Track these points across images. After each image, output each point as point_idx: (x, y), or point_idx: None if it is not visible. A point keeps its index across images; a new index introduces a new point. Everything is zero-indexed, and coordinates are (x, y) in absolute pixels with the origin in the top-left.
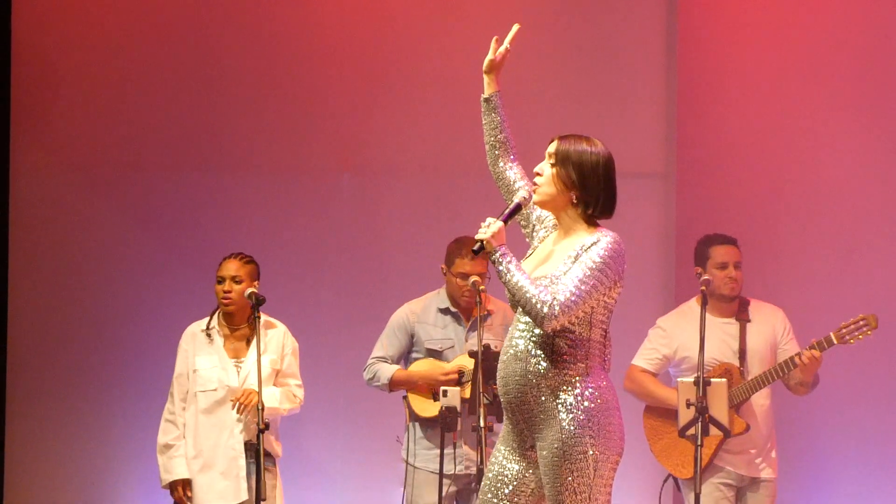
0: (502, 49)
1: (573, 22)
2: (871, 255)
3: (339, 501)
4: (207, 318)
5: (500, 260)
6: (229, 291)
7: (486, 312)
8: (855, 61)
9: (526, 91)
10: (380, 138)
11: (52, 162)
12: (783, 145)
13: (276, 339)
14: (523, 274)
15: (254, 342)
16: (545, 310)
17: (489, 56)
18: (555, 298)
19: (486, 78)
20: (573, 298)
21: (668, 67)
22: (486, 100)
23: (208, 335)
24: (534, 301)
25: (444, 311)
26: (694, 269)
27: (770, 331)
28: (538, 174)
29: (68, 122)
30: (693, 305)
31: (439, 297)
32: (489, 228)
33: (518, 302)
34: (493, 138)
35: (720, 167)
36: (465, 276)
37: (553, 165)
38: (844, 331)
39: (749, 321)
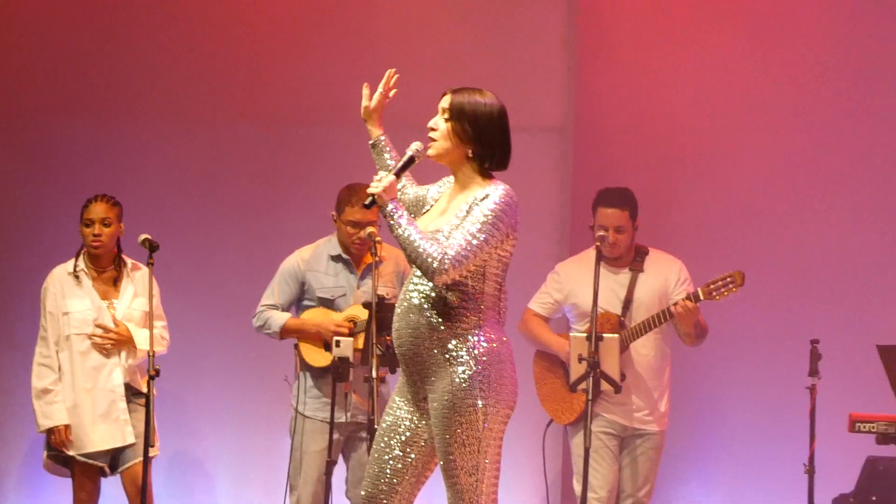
0: (378, 95)
1: None
2: (764, 209)
3: (230, 447)
4: (73, 261)
5: (392, 214)
6: (99, 234)
7: (378, 260)
8: (752, 13)
9: (423, 44)
10: (275, 86)
11: None
12: (680, 99)
13: (143, 281)
14: (415, 228)
15: (123, 282)
16: (435, 264)
17: (364, 103)
18: (445, 253)
19: (367, 124)
20: (463, 253)
21: (567, 22)
22: (373, 144)
23: (76, 277)
24: (424, 256)
25: (336, 259)
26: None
27: (661, 282)
28: (433, 129)
29: None
30: (592, 254)
31: (330, 244)
32: (381, 182)
33: (409, 256)
34: None
35: (617, 121)
36: (356, 224)
37: (447, 120)
38: (712, 287)
39: (641, 271)
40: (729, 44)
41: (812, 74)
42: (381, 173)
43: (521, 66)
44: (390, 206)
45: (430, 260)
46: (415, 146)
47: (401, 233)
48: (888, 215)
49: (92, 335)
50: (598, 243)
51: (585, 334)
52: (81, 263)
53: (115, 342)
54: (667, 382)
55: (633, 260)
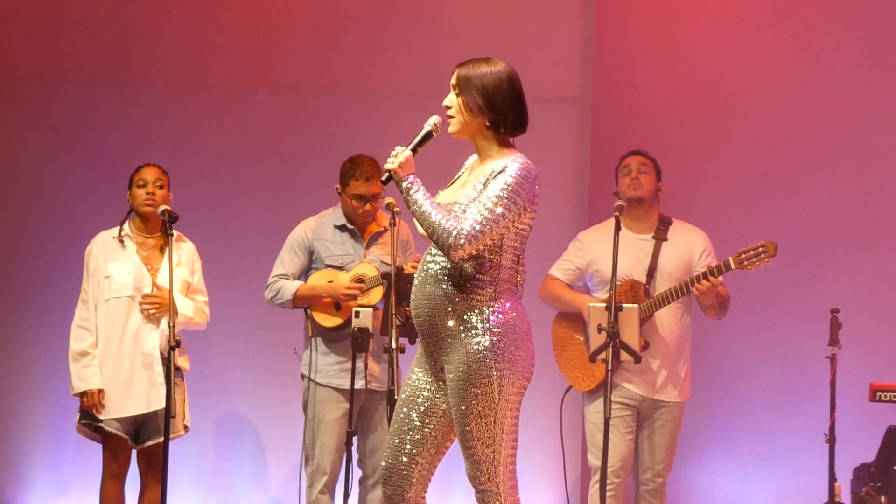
0: None
1: None
2: (785, 180)
3: (245, 419)
4: (118, 227)
5: (408, 190)
6: (153, 193)
7: (382, 229)
8: None
9: (439, 17)
10: (295, 56)
11: None
12: (699, 67)
13: (186, 254)
14: (431, 203)
15: (167, 251)
16: (450, 240)
17: None
18: (461, 228)
19: None
20: (479, 228)
21: None
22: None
23: (121, 241)
24: (440, 231)
25: (341, 228)
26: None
27: (686, 252)
28: (448, 107)
29: None
30: (613, 222)
31: (335, 215)
32: (396, 158)
33: (426, 231)
34: None
35: (635, 91)
36: (360, 197)
37: (458, 95)
38: (743, 256)
39: (665, 240)
40: (754, 9)
41: (836, 36)
42: (398, 148)
43: (538, 37)
44: (405, 182)
45: (445, 235)
46: (432, 120)
47: (416, 208)
48: None
49: (141, 303)
50: (616, 213)
51: (605, 304)
52: (127, 228)
53: (158, 306)
54: (687, 353)
55: (657, 228)
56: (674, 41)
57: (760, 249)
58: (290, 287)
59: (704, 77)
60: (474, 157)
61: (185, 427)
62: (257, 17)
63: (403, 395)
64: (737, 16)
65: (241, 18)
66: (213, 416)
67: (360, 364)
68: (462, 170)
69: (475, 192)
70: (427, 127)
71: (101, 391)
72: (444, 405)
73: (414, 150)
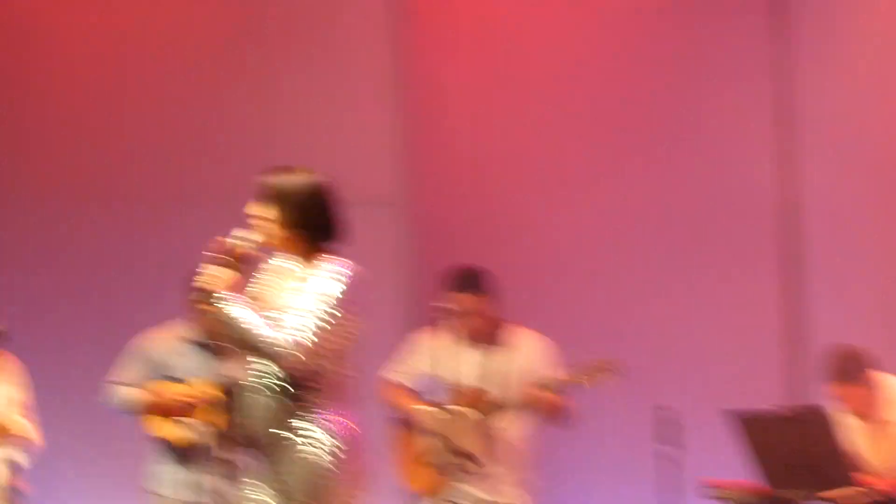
0: None
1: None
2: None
3: None
4: None
5: (223, 304)
6: None
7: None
8: (586, 82)
9: (240, 112)
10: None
11: None
12: (515, 167)
13: (15, 370)
14: (253, 314)
15: None
16: (282, 351)
17: None
18: (291, 338)
19: None
20: (308, 336)
21: (395, 94)
22: None
23: None
24: (269, 342)
25: (195, 343)
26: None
27: (525, 361)
28: (257, 217)
29: None
30: (451, 327)
31: (188, 328)
32: (217, 278)
33: (250, 343)
34: None
35: (452, 192)
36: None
37: (268, 207)
38: (582, 371)
39: (504, 347)
40: (566, 113)
41: None
42: (215, 268)
43: (351, 141)
44: (220, 298)
45: (276, 347)
46: (242, 234)
47: (239, 323)
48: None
49: None
50: (438, 316)
51: (439, 408)
52: None
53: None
54: (528, 457)
55: (496, 335)
56: (485, 139)
57: (600, 366)
58: (129, 394)
59: (518, 173)
60: (279, 260)
61: None
62: None
63: None
64: (551, 116)
65: None
66: None
67: (196, 478)
68: (265, 274)
69: (298, 299)
70: (245, 242)
71: None
72: None
73: (235, 269)
